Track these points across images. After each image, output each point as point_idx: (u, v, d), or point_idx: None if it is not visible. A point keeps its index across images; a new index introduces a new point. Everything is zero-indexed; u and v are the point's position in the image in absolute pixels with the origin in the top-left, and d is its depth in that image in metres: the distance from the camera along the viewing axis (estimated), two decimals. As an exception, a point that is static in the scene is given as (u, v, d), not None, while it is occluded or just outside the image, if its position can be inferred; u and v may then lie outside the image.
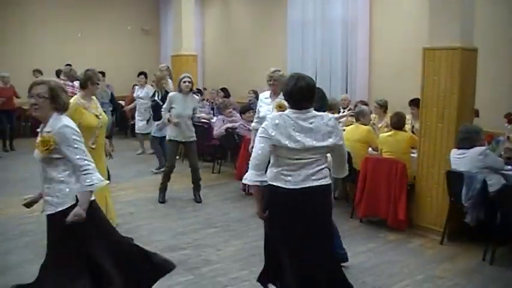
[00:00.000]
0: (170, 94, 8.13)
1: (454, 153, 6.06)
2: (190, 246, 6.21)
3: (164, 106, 8.00)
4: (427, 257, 5.91)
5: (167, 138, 8.13)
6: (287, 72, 11.80)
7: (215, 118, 10.57)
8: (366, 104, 8.88)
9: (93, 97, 6.08)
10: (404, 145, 6.85)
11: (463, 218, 5.91)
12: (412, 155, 6.89)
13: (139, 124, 11.42)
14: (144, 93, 11.34)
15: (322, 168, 3.96)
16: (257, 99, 11.29)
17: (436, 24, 6.38)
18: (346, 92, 10.78)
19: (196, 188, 8.16)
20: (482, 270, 5.58)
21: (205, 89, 14.10)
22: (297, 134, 3.85)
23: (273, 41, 12.86)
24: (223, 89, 12.79)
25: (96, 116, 5.88)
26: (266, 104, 6.75)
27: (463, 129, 6.03)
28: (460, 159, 5.97)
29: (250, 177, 3.92)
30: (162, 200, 7.98)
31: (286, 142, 3.83)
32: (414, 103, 7.69)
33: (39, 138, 3.85)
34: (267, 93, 6.83)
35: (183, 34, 11.95)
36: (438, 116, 6.36)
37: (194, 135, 8.03)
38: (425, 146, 6.52)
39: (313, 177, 3.91)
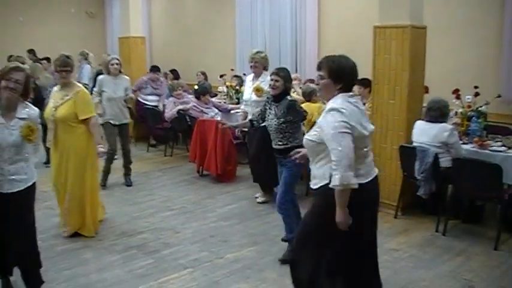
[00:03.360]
0: (99, 77, 8.00)
1: (420, 124, 6.22)
2: (148, 230, 6.19)
3: (95, 89, 7.89)
4: (382, 231, 6.01)
5: (101, 121, 7.96)
6: (237, 53, 11.91)
7: (166, 100, 10.47)
8: (313, 82, 8.94)
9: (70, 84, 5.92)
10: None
11: (416, 191, 6.09)
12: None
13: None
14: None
15: None
16: (206, 80, 11.36)
17: (387, 2, 6.48)
18: (296, 71, 10.83)
19: (127, 172, 8.07)
20: (435, 241, 5.78)
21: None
22: (364, 119, 3.59)
23: (222, 21, 12.78)
24: (173, 71, 12.66)
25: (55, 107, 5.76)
26: (249, 87, 6.71)
27: (435, 103, 6.17)
28: (425, 131, 6.12)
29: (349, 180, 3.31)
30: (104, 184, 7.74)
31: (364, 131, 3.51)
32: (362, 83, 7.80)
33: (25, 125, 4.13)
34: (251, 76, 6.79)
35: (130, 16, 11.70)
36: (390, 93, 6.50)
37: (128, 117, 7.96)
38: (377, 122, 6.62)
39: (373, 165, 3.75)
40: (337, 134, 3.34)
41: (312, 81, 9.19)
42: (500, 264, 5.21)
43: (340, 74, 3.55)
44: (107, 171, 7.86)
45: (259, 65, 6.57)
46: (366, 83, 7.37)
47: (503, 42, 8.14)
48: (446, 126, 6.02)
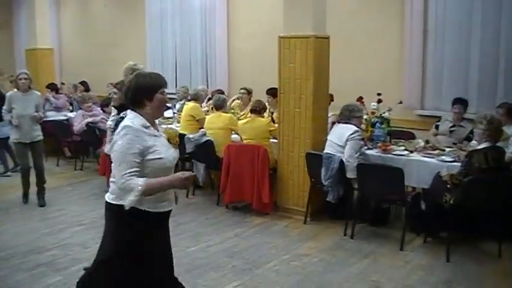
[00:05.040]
0: (8, 93, 7.54)
1: (335, 126, 6.45)
2: (57, 246, 6.00)
3: (4, 107, 7.48)
4: (292, 237, 6.17)
5: (11, 140, 7.68)
6: (148, 64, 11.82)
7: (74, 113, 10.23)
8: (223, 93, 9.02)
9: None
10: (262, 131, 7.07)
11: (324, 197, 6.24)
12: (274, 140, 7.12)
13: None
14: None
15: None
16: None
17: (290, 13, 6.63)
18: (207, 81, 10.89)
19: (40, 191, 7.67)
20: (344, 244, 5.92)
21: (63, 83, 13.56)
22: None
23: (132, 33, 12.67)
24: (83, 83, 12.35)
25: None
26: None
27: (345, 106, 6.41)
28: (335, 131, 6.35)
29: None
30: (26, 201, 7.57)
31: None
32: (270, 92, 7.93)
33: None
34: None
35: (37, 26, 11.40)
36: (295, 101, 6.63)
37: (40, 133, 7.57)
38: (284, 130, 6.78)
39: None
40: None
41: (221, 91, 9.26)
42: (406, 264, 5.40)
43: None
44: (26, 189, 7.61)
45: None
46: (274, 93, 7.49)
47: (404, 50, 8.50)
48: (353, 127, 6.21)
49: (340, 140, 6.19)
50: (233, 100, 9.36)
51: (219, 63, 10.93)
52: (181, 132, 7.83)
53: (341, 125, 6.32)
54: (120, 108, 5.23)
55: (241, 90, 8.90)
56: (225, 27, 10.80)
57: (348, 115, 6.33)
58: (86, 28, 14.37)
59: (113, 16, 13.46)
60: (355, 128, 6.21)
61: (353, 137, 6.14)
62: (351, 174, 6.08)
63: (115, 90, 5.75)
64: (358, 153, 6.17)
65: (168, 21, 11.73)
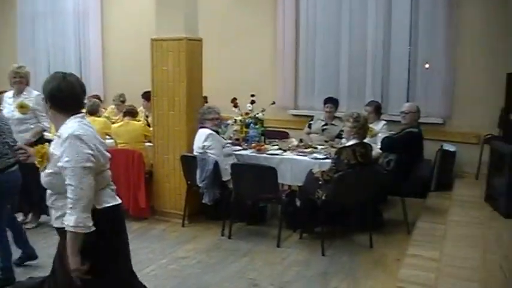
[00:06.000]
0: None
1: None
2: None
3: None
4: (170, 240, 6.12)
5: None
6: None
7: None
8: (98, 98, 8.79)
9: None
10: (136, 134, 6.97)
11: (201, 199, 6.24)
12: (149, 144, 7.04)
13: None
14: None
15: None
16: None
17: (162, 15, 6.59)
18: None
19: None
20: (222, 245, 5.96)
21: None
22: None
23: (2, 36, 12.01)
24: None
25: None
26: (9, 105, 6.21)
27: (200, 110, 6.43)
28: (197, 135, 6.33)
29: (85, 222, 2.89)
30: None
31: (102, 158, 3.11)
32: (145, 96, 7.83)
33: None
34: (11, 93, 6.26)
35: None
36: (169, 104, 6.60)
37: None
38: (159, 134, 6.73)
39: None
40: (78, 168, 2.90)
41: (96, 96, 9.01)
42: (283, 260, 5.50)
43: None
44: None
45: (24, 80, 6.16)
46: (149, 96, 7.38)
47: (277, 51, 8.70)
48: (206, 131, 6.25)
49: (198, 146, 6.26)
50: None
51: (93, 67, 10.68)
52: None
53: (200, 129, 6.36)
54: None
55: (117, 98, 8.67)
56: (99, 29, 10.58)
57: (201, 118, 6.37)
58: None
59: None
60: (208, 132, 6.24)
61: (209, 141, 6.20)
62: (225, 176, 6.14)
63: None
64: (224, 154, 6.27)
65: (41, 23, 11.27)
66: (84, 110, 3.43)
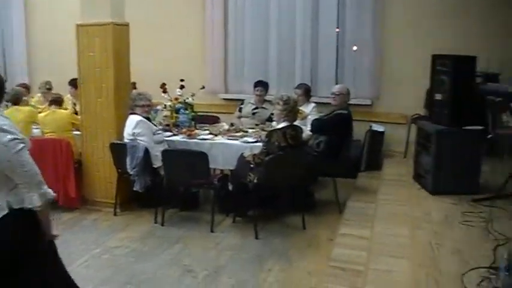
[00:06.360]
0: None
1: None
2: None
3: None
4: (102, 230, 6.02)
5: None
6: None
7: None
8: (25, 87, 8.49)
9: None
10: (64, 123, 6.79)
11: (132, 187, 6.16)
12: (77, 132, 6.87)
13: None
14: None
15: None
16: None
17: (87, 0, 6.42)
18: (5, 74, 10.21)
19: None
20: (155, 232, 5.91)
21: None
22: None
23: None
24: None
25: None
26: None
27: (130, 95, 6.39)
28: (127, 122, 6.24)
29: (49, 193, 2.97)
30: None
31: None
32: (72, 83, 7.65)
33: None
34: None
35: None
36: (97, 91, 6.45)
37: None
38: (87, 122, 6.58)
39: None
40: (15, 154, 2.84)
41: (23, 85, 8.69)
42: (217, 245, 5.51)
43: None
44: None
45: None
46: (76, 84, 7.20)
47: (206, 36, 8.66)
48: (136, 117, 6.17)
49: (128, 132, 6.17)
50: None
51: (17, 55, 10.32)
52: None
53: (130, 116, 6.25)
54: None
55: (43, 85, 8.42)
56: (21, 15, 10.22)
57: (131, 105, 6.28)
58: None
59: None
60: (138, 119, 6.15)
61: (139, 128, 6.12)
62: (156, 162, 6.07)
63: None
64: (155, 142, 6.20)
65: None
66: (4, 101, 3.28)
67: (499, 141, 6.99)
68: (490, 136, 6.66)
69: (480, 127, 5.99)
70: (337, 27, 8.33)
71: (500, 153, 7.03)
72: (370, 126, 7.77)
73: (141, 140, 6.07)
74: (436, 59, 6.22)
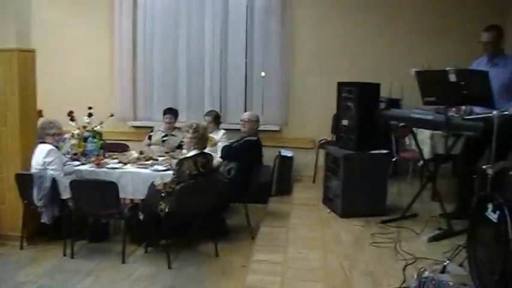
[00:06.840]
0: None
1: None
2: None
3: None
4: (8, 265, 5.77)
5: None
6: None
7: None
8: None
9: None
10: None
11: (40, 218, 5.96)
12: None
13: None
14: None
15: None
16: None
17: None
18: None
19: None
20: (64, 265, 5.72)
21: None
22: None
23: None
24: None
25: None
26: None
27: (39, 124, 6.22)
28: (36, 151, 6.04)
29: None
30: None
31: None
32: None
33: None
34: None
35: None
36: (1, 119, 6.23)
37: None
38: (-6, 152, 6.35)
39: None
40: None
41: None
42: (129, 276, 5.42)
43: None
44: None
45: None
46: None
47: (115, 62, 8.60)
48: (47, 147, 6.01)
49: (37, 162, 5.99)
50: None
51: None
52: None
53: (39, 145, 6.08)
54: None
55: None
56: None
57: (42, 133, 6.13)
58: None
59: None
60: (49, 148, 6.00)
61: (50, 157, 5.95)
62: (65, 194, 5.92)
63: None
64: (65, 173, 6.07)
65: None
66: None
67: (403, 164, 7.35)
68: (394, 159, 6.97)
69: (385, 151, 6.22)
70: (246, 57, 8.48)
71: (404, 175, 7.39)
72: (279, 152, 7.92)
73: (51, 169, 5.90)
74: (342, 86, 6.43)
